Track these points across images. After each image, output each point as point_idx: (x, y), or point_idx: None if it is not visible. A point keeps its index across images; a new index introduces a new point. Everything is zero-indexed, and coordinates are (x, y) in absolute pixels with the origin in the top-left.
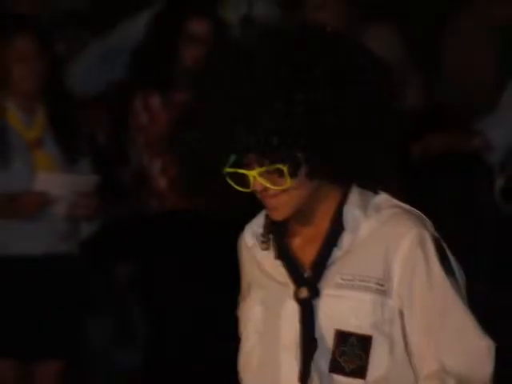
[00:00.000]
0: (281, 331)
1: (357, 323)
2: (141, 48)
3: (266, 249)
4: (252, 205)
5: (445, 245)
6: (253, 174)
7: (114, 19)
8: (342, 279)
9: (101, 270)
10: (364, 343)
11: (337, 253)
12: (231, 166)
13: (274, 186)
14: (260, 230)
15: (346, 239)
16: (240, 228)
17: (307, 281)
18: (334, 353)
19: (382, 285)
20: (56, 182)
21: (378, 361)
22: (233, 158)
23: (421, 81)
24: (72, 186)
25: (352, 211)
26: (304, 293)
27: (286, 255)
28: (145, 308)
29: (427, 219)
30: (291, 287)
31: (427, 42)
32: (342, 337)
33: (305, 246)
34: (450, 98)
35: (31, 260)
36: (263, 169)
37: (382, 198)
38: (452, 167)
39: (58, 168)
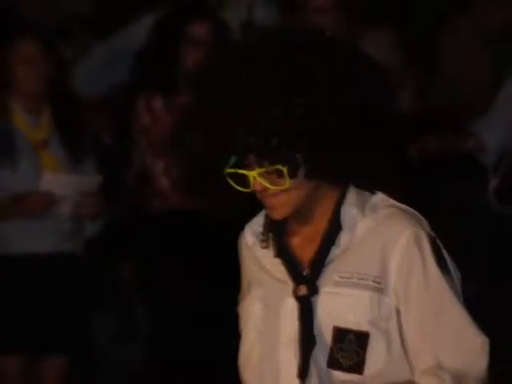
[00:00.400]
0: (280, 328)
1: (354, 320)
2: (143, 51)
3: (266, 247)
4: (252, 204)
5: (440, 244)
6: (253, 175)
7: (117, 23)
8: (340, 277)
9: (104, 269)
10: (361, 340)
11: (335, 251)
12: (231, 167)
13: (273, 186)
14: (260, 229)
15: (343, 238)
16: (240, 228)
17: (306, 278)
18: (332, 349)
19: (378, 282)
20: (61, 182)
21: (375, 357)
22: (233, 158)
23: (419, 82)
24: (77, 186)
25: (349, 211)
26: (303, 290)
27: (285, 253)
28: (147, 307)
29: (423, 218)
30: (290, 285)
31: (427, 43)
32: (340, 333)
33: (304, 245)
34: (449, 99)
35: (36, 258)
36: (263, 169)
37: (379, 197)
38: (450, 168)
39: (63, 168)
